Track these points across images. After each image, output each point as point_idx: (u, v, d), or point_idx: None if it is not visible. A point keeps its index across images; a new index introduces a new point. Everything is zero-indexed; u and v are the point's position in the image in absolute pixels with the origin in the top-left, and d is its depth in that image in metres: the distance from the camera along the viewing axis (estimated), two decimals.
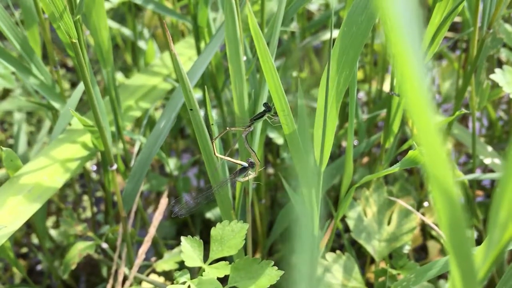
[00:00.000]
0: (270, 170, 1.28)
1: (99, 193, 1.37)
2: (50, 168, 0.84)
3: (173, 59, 0.63)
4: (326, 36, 1.21)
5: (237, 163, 0.70)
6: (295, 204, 0.86)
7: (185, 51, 1.16)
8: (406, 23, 0.24)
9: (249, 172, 0.70)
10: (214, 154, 0.69)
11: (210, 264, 0.68)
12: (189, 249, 0.68)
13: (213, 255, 0.68)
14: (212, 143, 0.68)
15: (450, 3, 0.73)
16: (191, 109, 0.63)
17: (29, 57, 0.87)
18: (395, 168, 0.68)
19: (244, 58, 0.81)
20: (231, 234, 0.69)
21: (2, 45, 0.90)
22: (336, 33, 1.07)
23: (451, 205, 0.27)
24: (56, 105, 0.90)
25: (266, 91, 0.76)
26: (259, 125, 0.74)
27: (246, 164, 0.69)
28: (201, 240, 0.69)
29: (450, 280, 0.35)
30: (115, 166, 0.86)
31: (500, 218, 0.31)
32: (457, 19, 1.52)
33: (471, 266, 0.31)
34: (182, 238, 0.69)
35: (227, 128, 0.69)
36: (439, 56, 1.55)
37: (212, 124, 0.70)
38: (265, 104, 0.67)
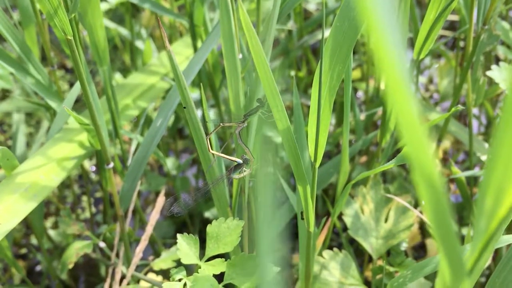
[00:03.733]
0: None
1: (98, 194, 1.37)
2: (46, 167, 0.85)
3: (169, 56, 0.63)
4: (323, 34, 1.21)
5: (231, 160, 0.70)
6: (292, 202, 0.86)
7: (182, 51, 1.16)
8: (387, 23, 0.24)
9: (244, 168, 0.70)
10: (209, 150, 0.69)
11: (206, 261, 0.68)
12: (185, 247, 0.68)
13: (209, 252, 0.68)
14: (207, 139, 0.68)
15: (444, 0, 0.73)
16: (184, 107, 0.64)
17: (26, 57, 0.88)
18: (391, 165, 0.68)
19: (240, 56, 0.82)
20: (227, 231, 0.69)
21: (0, 46, 0.90)
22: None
23: (435, 196, 0.27)
24: (53, 104, 0.91)
25: (262, 88, 0.76)
26: (254, 121, 0.74)
27: (240, 161, 0.69)
28: (197, 238, 0.69)
29: (440, 272, 0.35)
30: (111, 165, 0.87)
31: (486, 206, 0.31)
32: (455, 17, 1.52)
33: (458, 256, 0.31)
34: (178, 235, 0.69)
35: (221, 124, 0.69)
36: (437, 55, 1.55)
37: (207, 122, 0.70)
38: (258, 100, 0.67)
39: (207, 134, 0.69)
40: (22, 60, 0.88)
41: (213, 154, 0.70)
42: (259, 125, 0.71)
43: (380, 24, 0.25)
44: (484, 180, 0.30)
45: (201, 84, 0.71)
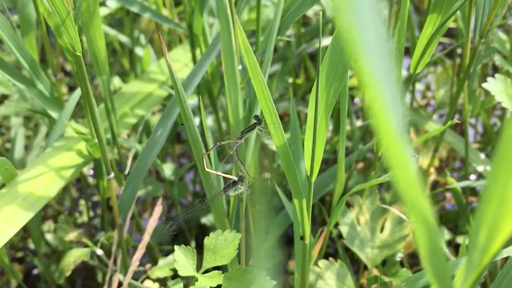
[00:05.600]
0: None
1: (96, 197, 1.38)
2: (45, 176, 0.85)
3: (170, 71, 0.64)
4: (321, 42, 1.21)
5: (226, 177, 0.71)
6: (288, 211, 0.87)
7: (181, 58, 1.16)
8: (373, 47, 0.24)
9: (239, 186, 0.70)
10: (204, 169, 0.69)
11: (203, 273, 0.69)
12: (182, 258, 0.69)
13: (206, 264, 0.69)
14: (203, 158, 0.69)
15: (442, 15, 0.74)
16: (182, 124, 0.64)
17: (29, 67, 0.88)
18: (386, 178, 0.69)
19: (240, 67, 0.82)
20: (224, 244, 0.69)
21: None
22: (329, 40, 1.08)
23: (428, 233, 0.28)
24: (53, 114, 0.91)
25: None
26: (253, 135, 0.75)
27: (236, 179, 0.70)
28: (195, 250, 0.69)
29: None
30: (112, 175, 0.87)
31: (480, 240, 0.31)
32: (453, 25, 1.53)
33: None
34: (176, 247, 0.69)
35: (217, 143, 0.69)
36: (434, 63, 1.55)
37: (208, 137, 0.71)
38: (255, 117, 0.68)
39: (206, 149, 0.69)
40: (21, 66, 0.88)
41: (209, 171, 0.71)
42: (258, 138, 0.72)
43: (370, 68, 0.25)
44: (478, 216, 0.31)
45: (200, 95, 0.71)
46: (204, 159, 0.69)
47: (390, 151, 0.24)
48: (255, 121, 0.68)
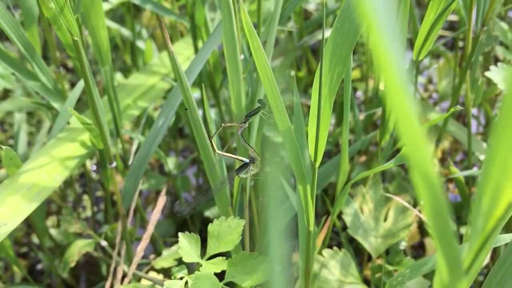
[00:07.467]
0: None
1: (99, 193, 1.38)
2: (48, 166, 0.85)
3: (171, 58, 0.64)
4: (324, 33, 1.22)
5: (238, 159, 0.71)
6: (292, 201, 0.87)
7: (183, 51, 1.17)
8: (385, 24, 0.24)
9: (251, 167, 0.70)
10: (214, 152, 0.70)
11: (208, 259, 0.69)
12: (186, 245, 0.69)
13: (210, 251, 0.69)
14: (211, 141, 0.69)
15: (444, 1, 0.74)
16: (186, 109, 0.64)
17: (31, 57, 0.88)
18: (390, 165, 0.69)
19: (242, 57, 0.82)
20: (228, 230, 0.69)
21: (2, 45, 0.91)
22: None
23: (433, 195, 0.28)
24: (56, 105, 0.91)
25: (263, 89, 0.77)
26: (256, 120, 0.75)
27: (247, 160, 0.70)
28: (199, 236, 0.70)
29: (437, 270, 0.36)
30: (114, 164, 0.87)
31: (483, 205, 0.31)
32: (455, 18, 1.53)
33: (456, 255, 0.31)
34: (180, 234, 0.69)
35: (222, 124, 0.70)
36: (436, 55, 1.56)
37: (210, 122, 0.71)
38: (259, 101, 0.68)
39: (208, 134, 0.70)
40: (26, 60, 0.89)
41: (218, 154, 0.71)
42: (261, 125, 0.72)
43: (379, 27, 0.25)
44: (482, 180, 0.31)
45: (203, 85, 0.71)
46: (211, 143, 0.69)
47: (394, 99, 0.25)
48: (259, 104, 0.68)
